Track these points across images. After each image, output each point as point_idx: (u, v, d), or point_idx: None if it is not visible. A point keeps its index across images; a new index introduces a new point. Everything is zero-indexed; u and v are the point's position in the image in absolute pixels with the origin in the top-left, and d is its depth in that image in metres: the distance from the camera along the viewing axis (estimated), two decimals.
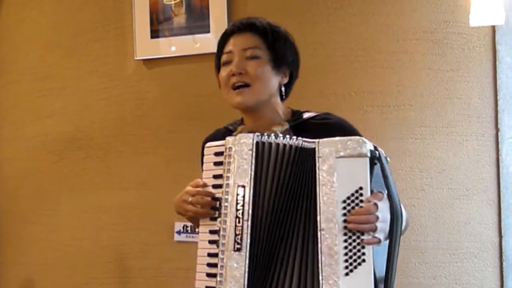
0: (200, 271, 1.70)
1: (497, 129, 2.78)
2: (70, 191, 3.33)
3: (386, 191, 1.63)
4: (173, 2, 3.12)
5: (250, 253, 1.62)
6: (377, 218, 1.57)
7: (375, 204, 1.58)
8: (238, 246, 1.63)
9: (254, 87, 1.86)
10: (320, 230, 1.59)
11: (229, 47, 1.92)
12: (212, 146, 1.75)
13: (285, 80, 1.96)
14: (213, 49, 2.99)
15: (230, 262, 1.63)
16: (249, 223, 1.63)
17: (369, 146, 1.61)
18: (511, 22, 2.76)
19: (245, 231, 1.63)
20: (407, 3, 2.87)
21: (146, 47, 3.15)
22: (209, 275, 1.67)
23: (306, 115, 1.94)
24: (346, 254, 1.57)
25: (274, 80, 1.91)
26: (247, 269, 1.62)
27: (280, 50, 1.92)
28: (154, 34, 3.14)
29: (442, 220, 2.82)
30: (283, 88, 1.96)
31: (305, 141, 1.68)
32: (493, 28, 2.77)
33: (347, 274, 1.56)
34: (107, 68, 3.27)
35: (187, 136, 3.13)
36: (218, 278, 1.64)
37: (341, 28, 2.94)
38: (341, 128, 1.81)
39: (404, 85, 2.87)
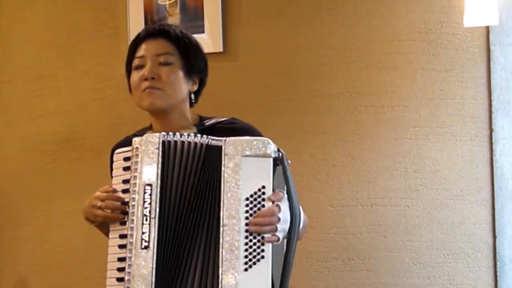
0: (110, 277, 1.71)
1: (491, 130, 2.79)
2: (64, 191, 3.31)
3: (286, 192, 1.68)
4: (167, 2, 3.11)
5: (158, 250, 1.64)
6: (279, 219, 1.64)
7: (278, 206, 1.65)
8: (146, 243, 1.64)
9: (166, 91, 1.88)
10: (223, 226, 1.63)
11: (141, 51, 1.93)
12: (121, 152, 1.77)
13: (195, 88, 2.00)
14: (208, 49, 3.00)
15: (137, 260, 1.64)
16: (156, 220, 1.65)
17: (274, 147, 1.67)
18: (505, 22, 2.77)
19: (152, 229, 1.65)
20: (401, 3, 2.88)
21: None
22: (119, 279, 1.68)
23: (213, 120, 1.97)
24: (246, 250, 1.62)
25: (185, 87, 1.94)
26: (154, 266, 1.64)
27: (192, 58, 1.95)
28: None
29: (436, 221, 2.83)
30: (192, 95, 1.99)
31: (213, 139, 1.71)
32: (487, 28, 2.78)
33: (246, 269, 1.61)
34: (101, 68, 3.26)
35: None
36: (126, 277, 1.65)
37: (335, 29, 2.94)
38: (248, 133, 1.82)
39: (398, 85, 2.87)
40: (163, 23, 1.97)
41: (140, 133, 1.97)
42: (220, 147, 1.68)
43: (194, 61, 1.95)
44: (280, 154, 1.68)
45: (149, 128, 2.01)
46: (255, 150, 1.66)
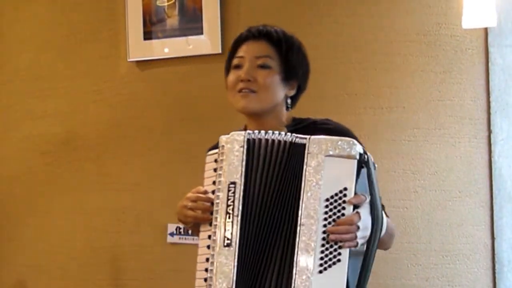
0: (199, 278, 1.71)
1: (489, 131, 2.79)
2: (63, 192, 3.32)
3: (369, 197, 1.65)
4: (166, 4, 3.12)
5: (240, 248, 1.63)
6: (358, 228, 1.60)
7: (358, 213, 1.61)
8: (228, 241, 1.63)
9: (260, 95, 1.87)
10: (300, 225, 1.60)
11: (241, 52, 1.93)
12: (212, 154, 1.76)
13: (292, 93, 1.98)
14: (206, 50, 3.03)
15: (219, 257, 1.63)
16: (239, 219, 1.64)
17: (359, 149, 1.64)
18: (504, 24, 2.77)
19: (235, 226, 1.64)
20: (400, 5, 2.88)
21: (139, 48, 3.15)
22: (206, 280, 1.67)
23: (307, 121, 1.97)
24: (322, 252, 1.58)
25: (281, 92, 1.92)
26: (236, 264, 1.63)
27: (292, 63, 1.93)
28: (147, 35, 3.13)
29: (435, 222, 2.82)
30: (289, 100, 1.97)
31: (297, 137, 1.69)
32: (486, 30, 2.78)
33: (320, 271, 1.58)
34: (100, 70, 3.26)
35: (180, 137, 3.13)
36: (208, 274, 1.65)
37: (334, 30, 2.94)
38: (340, 134, 1.80)
39: (397, 87, 2.87)
40: (267, 24, 1.94)
41: None
42: (304, 145, 1.65)
43: (294, 67, 1.93)
44: (366, 156, 1.65)
45: (243, 129, 1.97)
46: (339, 150, 1.62)
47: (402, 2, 2.87)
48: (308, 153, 1.64)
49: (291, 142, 1.68)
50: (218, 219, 1.66)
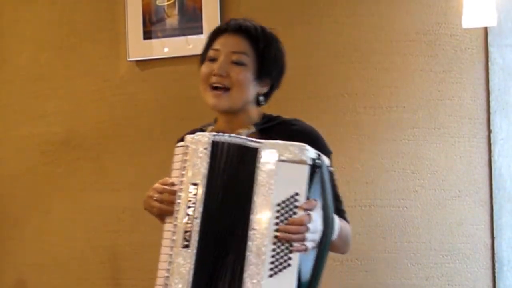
0: (162, 268, 1.70)
1: (489, 131, 2.79)
2: (63, 192, 3.32)
3: (321, 201, 1.64)
4: (166, 3, 3.12)
5: (198, 251, 1.63)
6: (308, 229, 1.59)
7: (309, 215, 1.60)
8: (186, 243, 1.64)
9: (232, 92, 1.86)
10: (252, 229, 1.61)
11: (218, 44, 1.90)
12: (180, 146, 1.76)
13: (264, 90, 1.95)
14: None
15: (177, 258, 1.64)
16: (199, 221, 1.64)
17: (311, 154, 1.63)
18: (504, 23, 2.77)
19: (194, 228, 1.64)
20: (400, 4, 2.88)
21: (138, 48, 3.15)
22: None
23: (274, 121, 1.94)
24: (273, 256, 1.59)
25: (253, 90, 1.90)
26: (193, 266, 1.63)
27: (268, 62, 1.90)
28: (147, 35, 3.13)
29: (435, 221, 2.83)
30: (261, 97, 1.95)
31: (251, 141, 1.68)
32: (486, 29, 2.78)
33: (271, 275, 1.58)
34: (100, 69, 3.26)
35: (180, 137, 3.12)
36: (165, 274, 1.66)
37: (334, 29, 2.94)
38: (307, 135, 1.81)
39: (396, 86, 2.88)
40: (247, 19, 1.92)
41: (205, 127, 1.98)
42: (257, 149, 1.65)
43: (268, 66, 1.91)
44: (319, 161, 1.63)
45: (214, 124, 1.99)
46: (291, 155, 1.62)
47: (402, 2, 2.88)
48: (260, 157, 1.64)
49: (244, 146, 1.67)
50: (178, 220, 1.66)
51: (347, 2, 2.93)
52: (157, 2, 3.12)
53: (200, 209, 1.65)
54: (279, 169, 1.62)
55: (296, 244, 1.59)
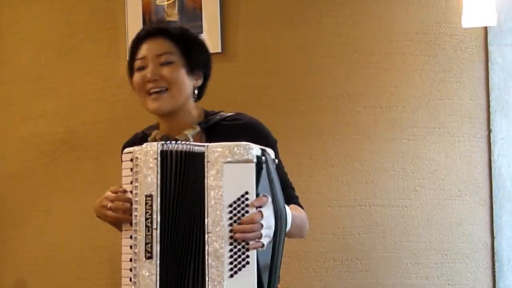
0: (125, 276, 1.73)
1: (489, 130, 2.79)
2: (62, 191, 3.31)
3: (271, 195, 1.68)
4: (165, 3, 3.12)
5: (161, 261, 1.66)
6: (262, 226, 1.63)
7: (260, 212, 1.63)
8: (149, 254, 1.66)
9: (172, 91, 1.88)
10: (208, 233, 1.63)
11: (142, 52, 1.92)
12: (128, 152, 1.76)
13: (199, 83, 1.98)
14: None
15: (142, 270, 1.66)
16: (158, 231, 1.66)
17: (256, 151, 1.65)
18: (503, 23, 2.77)
19: (154, 239, 1.66)
20: (400, 4, 2.88)
21: None
22: (131, 279, 1.71)
23: (217, 117, 1.95)
24: (231, 256, 1.62)
25: (189, 83, 1.92)
26: (158, 277, 1.66)
27: (193, 54, 1.93)
28: None
29: (435, 221, 2.83)
30: (196, 91, 1.97)
31: (196, 145, 1.70)
32: (485, 29, 2.78)
33: (231, 276, 1.62)
34: (100, 69, 3.26)
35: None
36: (132, 287, 1.69)
37: (334, 29, 2.94)
38: (251, 129, 1.84)
39: (396, 86, 2.88)
40: (161, 20, 1.94)
41: (148, 131, 1.99)
42: (203, 153, 1.67)
43: (195, 57, 1.93)
44: (263, 157, 1.66)
45: (156, 127, 2.00)
46: (236, 156, 1.64)
47: (402, 2, 2.88)
48: (207, 161, 1.66)
49: (191, 152, 1.69)
50: (138, 232, 1.68)
51: (347, 2, 2.93)
52: (157, 1, 3.12)
53: (158, 219, 1.67)
54: (226, 170, 1.64)
55: (252, 242, 1.62)
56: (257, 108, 2.98)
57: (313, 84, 2.96)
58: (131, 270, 1.70)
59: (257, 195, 1.64)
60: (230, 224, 1.63)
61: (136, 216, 1.69)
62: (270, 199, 1.67)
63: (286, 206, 1.75)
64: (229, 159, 1.64)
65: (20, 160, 3.41)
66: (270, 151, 1.72)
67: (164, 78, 1.87)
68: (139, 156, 1.71)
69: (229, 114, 1.96)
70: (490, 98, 2.78)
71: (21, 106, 3.41)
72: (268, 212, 1.65)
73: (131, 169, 1.73)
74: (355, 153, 2.89)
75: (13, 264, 3.41)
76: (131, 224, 1.72)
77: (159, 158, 1.69)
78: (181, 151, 1.70)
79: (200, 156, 1.67)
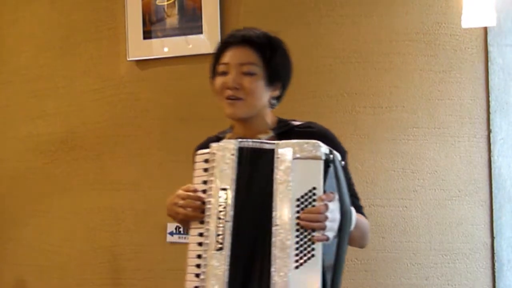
0: (190, 272, 1.77)
1: (489, 130, 2.79)
2: (62, 192, 3.32)
3: (338, 193, 1.74)
4: (165, 3, 3.12)
5: (231, 252, 1.71)
6: (327, 217, 1.68)
7: (326, 205, 1.68)
8: (220, 245, 1.71)
9: (247, 101, 1.95)
10: (275, 225, 1.69)
11: (226, 58, 1.98)
12: (202, 154, 1.84)
13: (277, 93, 2.04)
14: (206, 50, 3.03)
15: (211, 261, 1.71)
16: (231, 224, 1.73)
17: (324, 149, 1.72)
18: (503, 23, 2.77)
19: (226, 231, 1.72)
20: (399, 4, 2.88)
21: (138, 48, 3.15)
22: (197, 275, 1.75)
23: (290, 125, 2.02)
24: (297, 248, 1.67)
25: (266, 95, 1.99)
26: (228, 267, 1.70)
27: (275, 66, 1.99)
28: (147, 35, 3.13)
29: (434, 221, 2.83)
30: (273, 100, 2.04)
31: (267, 143, 1.79)
32: (485, 29, 2.78)
33: (297, 267, 1.66)
34: (100, 69, 3.26)
35: (179, 136, 3.13)
36: (201, 277, 1.72)
37: (333, 30, 2.94)
38: (323, 137, 1.87)
39: (396, 86, 2.88)
40: (248, 28, 1.99)
41: (222, 134, 2.07)
42: (273, 150, 1.75)
43: (277, 69, 2.00)
44: (332, 156, 1.73)
45: (230, 131, 2.07)
46: (305, 152, 1.71)
47: (401, 2, 2.88)
48: (277, 157, 1.73)
49: (262, 149, 1.78)
50: (210, 224, 1.74)
51: (346, 2, 2.93)
52: (157, 1, 3.12)
53: (231, 212, 1.74)
54: (295, 166, 1.71)
55: (317, 234, 1.67)
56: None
57: (313, 85, 2.96)
58: (198, 266, 1.75)
59: (324, 191, 1.70)
60: (297, 217, 1.68)
61: (209, 208, 1.75)
62: (337, 196, 1.72)
63: (352, 208, 1.81)
64: (298, 155, 1.72)
65: (19, 160, 3.41)
66: (337, 154, 1.78)
67: (243, 88, 1.94)
68: (216, 152, 1.79)
69: (302, 122, 2.03)
70: (490, 98, 2.78)
71: (20, 106, 3.41)
72: (333, 206, 1.71)
73: (205, 169, 1.81)
74: (354, 153, 2.88)
75: (12, 264, 3.41)
76: (200, 222, 1.78)
77: (236, 154, 1.78)
78: (254, 148, 1.78)
79: (270, 152, 1.75)
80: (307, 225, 1.67)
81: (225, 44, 2.01)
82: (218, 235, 1.72)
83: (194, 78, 3.09)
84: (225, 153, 1.78)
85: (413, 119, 2.85)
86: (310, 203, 1.69)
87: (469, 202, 2.80)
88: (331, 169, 1.73)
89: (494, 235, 2.77)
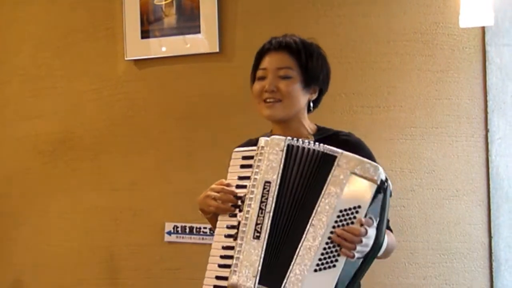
0: (213, 262, 1.84)
1: (486, 130, 2.79)
2: (60, 192, 3.31)
3: (377, 221, 1.78)
4: (163, 3, 3.12)
5: (268, 241, 1.78)
6: (361, 241, 1.73)
7: (366, 230, 1.73)
8: (258, 234, 1.78)
9: (284, 103, 2.05)
10: (310, 225, 1.75)
11: (264, 64, 2.09)
12: (241, 151, 1.92)
13: (314, 97, 2.14)
14: (204, 49, 3.04)
15: (248, 247, 1.77)
16: (271, 214, 1.79)
17: (382, 175, 1.77)
18: (501, 23, 2.77)
19: (265, 221, 1.78)
20: (397, 4, 2.88)
21: (136, 47, 3.15)
22: (221, 266, 1.82)
23: (330, 132, 2.12)
24: (322, 254, 1.73)
25: (303, 98, 2.08)
26: (263, 255, 1.76)
27: (312, 70, 2.08)
28: (145, 34, 3.13)
29: (432, 221, 2.83)
30: (311, 104, 2.13)
31: (331, 149, 1.83)
32: (483, 29, 2.79)
33: (315, 270, 1.72)
34: (98, 69, 3.26)
35: (177, 136, 3.13)
36: (234, 261, 1.78)
37: (331, 30, 2.94)
38: (361, 151, 1.95)
39: (394, 86, 2.88)
40: (287, 35, 2.13)
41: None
42: (336, 157, 1.80)
43: (313, 73, 2.08)
44: (386, 184, 1.77)
45: (269, 134, 2.12)
46: (364, 171, 1.76)
47: (399, 2, 2.88)
48: (337, 165, 1.79)
49: (324, 153, 1.82)
50: (250, 212, 1.80)
51: (344, 2, 2.94)
52: (155, 1, 3.12)
53: (272, 204, 1.80)
54: (350, 180, 1.76)
55: (344, 250, 1.72)
56: (255, 108, 2.99)
57: None
58: (221, 257, 1.82)
59: (366, 214, 1.75)
60: (333, 227, 1.74)
61: (251, 198, 1.81)
62: (375, 224, 1.77)
63: (386, 235, 1.86)
64: (357, 171, 1.77)
65: (18, 160, 3.41)
66: (390, 183, 1.82)
67: (280, 90, 2.04)
68: (264, 146, 1.86)
69: (341, 130, 2.14)
70: (488, 98, 2.78)
71: (19, 106, 3.41)
72: (371, 233, 1.75)
73: (241, 166, 1.89)
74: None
75: (10, 264, 3.41)
76: (230, 216, 1.86)
77: (284, 150, 1.84)
78: (309, 149, 1.84)
79: (331, 158, 1.80)
80: (340, 242, 1.72)
81: (264, 51, 2.11)
82: (257, 224, 1.78)
83: (192, 77, 3.09)
84: (273, 147, 1.84)
85: (410, 118, 2.86)
86: (350, 218, 1.74)
87: (467, 201, 2.81)
88: (380, 196, 1.77)
89: (492, 235, 2.77)
